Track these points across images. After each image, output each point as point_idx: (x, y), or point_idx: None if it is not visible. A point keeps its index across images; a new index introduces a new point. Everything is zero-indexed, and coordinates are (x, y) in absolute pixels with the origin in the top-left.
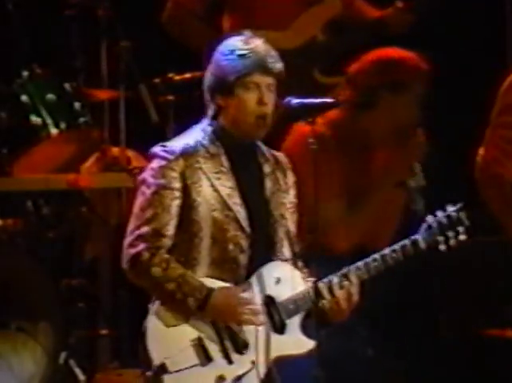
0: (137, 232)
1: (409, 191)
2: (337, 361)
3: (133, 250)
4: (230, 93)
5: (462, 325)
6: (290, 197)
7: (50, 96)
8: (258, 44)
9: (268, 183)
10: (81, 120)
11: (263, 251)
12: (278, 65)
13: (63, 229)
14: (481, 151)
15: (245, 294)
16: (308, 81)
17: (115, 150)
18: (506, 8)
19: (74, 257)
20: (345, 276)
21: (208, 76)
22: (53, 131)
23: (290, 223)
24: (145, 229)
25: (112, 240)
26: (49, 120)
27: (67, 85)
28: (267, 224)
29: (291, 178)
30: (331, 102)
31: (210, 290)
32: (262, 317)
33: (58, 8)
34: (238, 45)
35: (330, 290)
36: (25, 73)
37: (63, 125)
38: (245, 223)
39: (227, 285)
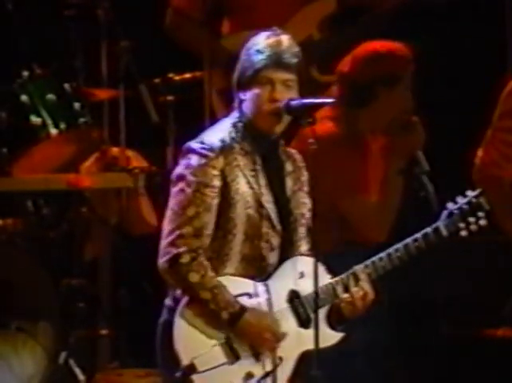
0: (178, 232)
1: (417, 177)
2: (336, 361)
3: (174, 251)
4: (247, 88)
5: (463, 325)
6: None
7: (50, 97)
8: (279, 39)
9: (289, 182)
10: (81, 120)
11: (289, 250)
12: (293, 60)
13: (63, 229)
14: (479, 152)
15: (274, 324)
16: (305, 80)
17: (115, 150)
18: (508, 11)
19: (74, 257)
20: (356, 275)
21: (234, 72)
22: (53, 131)
23: (307, 220)
24: (187, 229)
25: (112, 240)
26: (48, 120)
27: (67, 85)
28: (288, 223)
29: (305, 176)
30: (330, 102)
31: (244, 308)
32: (278, 349)
33: (58, 8)
34: (259, 40)
35: (346, 287)
36: (25, 73)
37: (63, 125)
38: (276, 220)
39: (249, 283)
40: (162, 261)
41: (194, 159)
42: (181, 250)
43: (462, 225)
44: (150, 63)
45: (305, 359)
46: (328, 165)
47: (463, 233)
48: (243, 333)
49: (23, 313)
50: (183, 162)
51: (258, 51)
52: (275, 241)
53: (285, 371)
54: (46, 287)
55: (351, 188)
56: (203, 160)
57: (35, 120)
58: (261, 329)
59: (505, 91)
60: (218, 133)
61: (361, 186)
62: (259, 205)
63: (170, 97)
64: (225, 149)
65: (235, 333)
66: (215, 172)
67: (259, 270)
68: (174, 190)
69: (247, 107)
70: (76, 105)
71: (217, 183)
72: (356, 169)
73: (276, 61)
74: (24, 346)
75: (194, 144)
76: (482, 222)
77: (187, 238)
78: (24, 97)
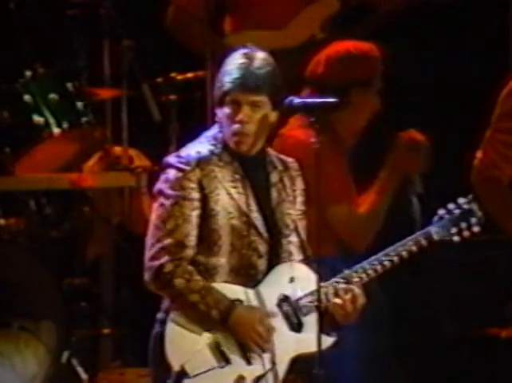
0: (159, 245)
1: (408, 197)
2: (338, 361)
3: (157, 263)
4: (219, 106)
5: (465, 325)
6: (298, 205)
7: (53, 96)
8: (250, 60)
9: (274, 194)
10: (84, 119)
11: (277, 257)
12: (261, 83)
13: (65, 228)
14: (478, 154)
15: (267, 317)
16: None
17: (117, 149)
18: (510, 11)
19: (77, 256)
20: (347, 278)
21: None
22: (56, 130)
23: (300, 229)
24: (167, 241)
25: (115, 239)
26: (51, 120)
27: (69, 85)
28: (274, 234)
29: (300, 185)
30: (333, 101)
31: (234, 304)
32: (270, 347)
33: (60, 7)
34: (231, 60)
35: (336, 293)
36: (28, 73)
37: (65, 125)
38: (262, 228)
39: (246, 291)
40: (146, 274)
41: (171, 173)
42: (163, 260)
43: (454, 230)
44: (152, 62)
45: (307, 360)
46: (312, 173)
47: (455, 238)
48: (236, 329)
49: (26, 312)
50: (162, 177)
51: (227, 72)
52: (263, 248)
53: (277, 375)
54: (49, 286)
55: (333, 196)
56: (180, 174)
57: (38, 119)
58: (253, 323)
59: (504, 92)
60: (197, 146)
61: (342, 194)
62: (243, 214)
63: (172, 97)
64: (201, 161)
65: (228, 329)
66: (192, 185)
67: (249, 279)
68: (154, 205)
69: (221, 124)
70: (79, 105)
71: (195, 195)
72: (338, 176)
73: (243, 83)
74: (26, 345)
75: (171, 159)
76: (476, 229)
77: (169, 249)
78: (26, 97)
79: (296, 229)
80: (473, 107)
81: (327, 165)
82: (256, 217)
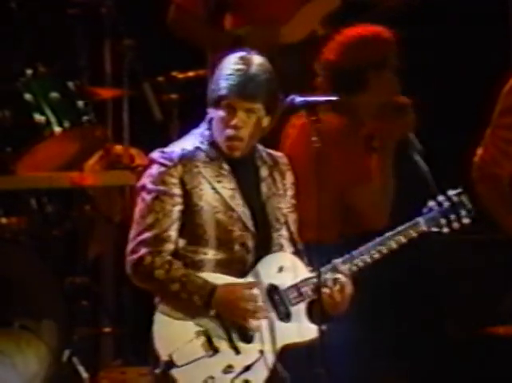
0: (139, 238)
1: (411, 158)
2: (339, 360)
3: (135, 256)
4: (213, 107)
5: (468, 324)
6: (288, 198)
7: (54, 95)
8: (248, 66)
9: (264, 188)
10: (85, 118)
11: (267, 251)
12: (258, 90)
13: (67, 227)
14: (479, 151)
15: (248, 291)
16: (309, 76)
17: (118, 148)
18: (510, 8)
19: (78, 255)
20: (336, 268)
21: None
22: (57, 129)
23: (291, 222)
24: (147, 234)
25: (116, 238)
26: (52, 119)
27: (70, 84)
28: (262, 229)
29: (290, 179)
30: (334, 99)
31: (214, 286)
32: (264, 313)
33: (62, 7)
34: (229, 64)
35: (324, 283)
36: (29, 72)
37: (66, 123)
38: (249, 223)
39: (231, 280)
40: (127, 268)
41: (154, 169)
42: (141, 253)
43: (443, 221)
44: (153, 61)
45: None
46: (335, 156)
47: (445, 230)
48: (221, 311)
49: (27, 311)
50: (146, 172)
51: (224, 76)
52: (250, 243)
53: (265, 364)
54: (50, 285)
55: (358, 177)
56: (162, 169)
57: (39, 118)
58: (235, 302)
59: (505, 88)
60: (182, 143)
61: (366, 173)
62: (229, 208)
63: (173, 95)
64: (184, 158)
65: (214, 312)
66: (174, 180)
67: (236, 273)
68: (137, 200)
69: (213, 125)
70: (80, 103)
71: (176, 191)
72: (360, 157)
73: (240, 90)
74: (28, 344)
75: (155, 154)
76: (465, 220)
77: (148, 243)
78: (28, 96)
79: (286, 223)
80: (473, 107)
81: (350, 147)
82: (242, 211)
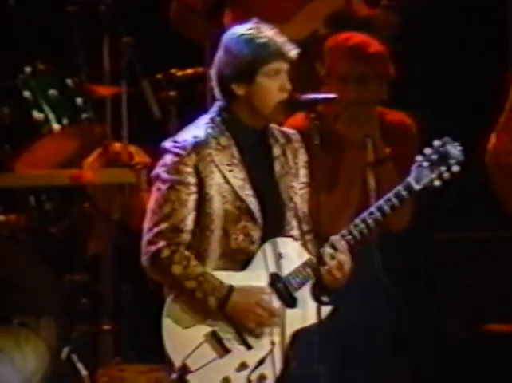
0: (156, 229)
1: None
2: (341, 357)
3: (153, 247)
4: (251, 81)
5: (471, 321)
6: (301, 177)
7: (52, 92)
8: (272, 31)
9: (277, 167)
10: (83, 115)
11: (279, 233)
12: (295, 51)
13: (65, 225)
14: (493, 138)
15: (265, 296)
16: (310, 74)
17: (117, 145)
18: (510, 10)
19: (77, 252)
20: (333, 244)
21: (221, 67)
22: (56, 126)
23: (301, 202)
24: (164, 225)
25: (115, 236)
26: (51, 116)
27: (69, 81)
28: (276, 208)
29: (302, 157)
30: (333, 97)
31: (231, 289)
32: (278, 320)
33: (60, 4)
34: (254, 34)
35: (323, 260)
36: (28, 69)
37: (65, 121)
38: (258, 214)
39: (242, 278)
40: (143, 259)
41: (168, 158)
42: (160, 245)
43: (433, 175)
44: (152, 59)
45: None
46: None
47: (436, 183)
48: (234, 315)
49: (26, 308)
50: (159, 162)
51: (262, 44)
52: (256, 234)
53: (279, 355)
54: (49, 283)
55: (327, 184)
56: (176, 158)
57: (37, 115)
58: (250, 306)
59: None
60: (194, 130)
61: (333, 181)
62: (238, 199)
63: (172, 93)
64: (198, 145)
65: (225, 316)
66: (189, 169)
67: (239, 264)
68: (152, 190)
69: (248, 101)
70: (79, 101)
71: (191, 179)
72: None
73: (282, 52)
74: (27, 342)
75: (168, 144)
76: (455, 168)
77: (166, 234)
78: (26, 93)
79: (298, 201)
80: (473, 107)
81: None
82: (251, 202)
